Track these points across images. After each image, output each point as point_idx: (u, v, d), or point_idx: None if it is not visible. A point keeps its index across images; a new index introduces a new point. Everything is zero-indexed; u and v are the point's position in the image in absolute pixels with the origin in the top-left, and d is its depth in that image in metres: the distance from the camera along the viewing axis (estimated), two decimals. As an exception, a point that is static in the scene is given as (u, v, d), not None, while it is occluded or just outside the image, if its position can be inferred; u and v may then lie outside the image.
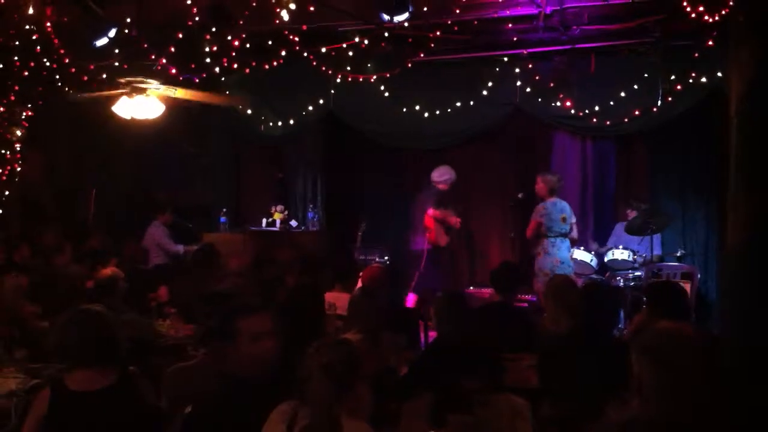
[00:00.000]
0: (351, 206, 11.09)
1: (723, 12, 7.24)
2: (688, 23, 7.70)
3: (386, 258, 10.38)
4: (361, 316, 4.87)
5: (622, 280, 8.79)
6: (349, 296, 6.27)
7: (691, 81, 8.47)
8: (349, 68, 9.18)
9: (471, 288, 9.76)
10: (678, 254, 8.98)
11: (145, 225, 10.09)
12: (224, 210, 10.37)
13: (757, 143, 4.90)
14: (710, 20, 7.43)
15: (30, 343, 5.67)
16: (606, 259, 9.03)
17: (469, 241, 10.85)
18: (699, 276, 8.67)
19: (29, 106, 10.46)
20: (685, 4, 7.41)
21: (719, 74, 8.19)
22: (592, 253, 9.09)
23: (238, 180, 11.40)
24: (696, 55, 8.34)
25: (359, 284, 6.60)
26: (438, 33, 8.40)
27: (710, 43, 8.00)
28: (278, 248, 9.03)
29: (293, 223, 10.38)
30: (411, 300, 9.29)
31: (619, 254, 8.87)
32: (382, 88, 9.38)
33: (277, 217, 10.26)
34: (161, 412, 3.88)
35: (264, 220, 10.38)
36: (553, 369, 4.50)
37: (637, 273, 8.80)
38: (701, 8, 7.36)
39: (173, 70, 8.85)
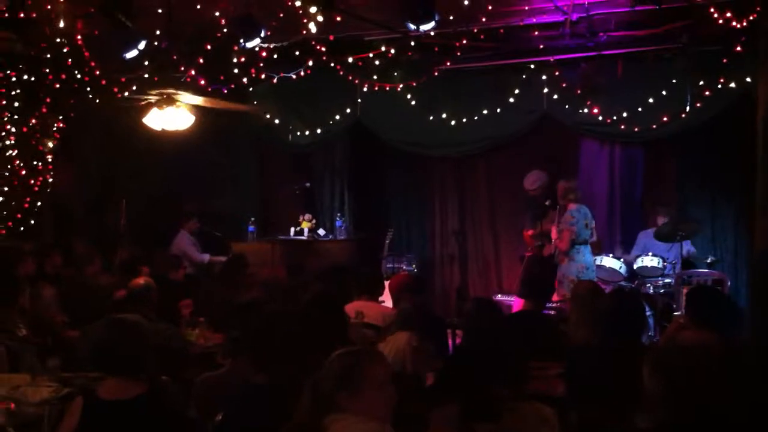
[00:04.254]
0: (378, 214, 11.11)
1: (751, 18, 7.20)
2: (716, 29, 7.63)
3: (414, 266, 10.39)
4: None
5: (651, 287, 8.73)
6: (376, 305, 6.27)
7: (720, 86, 8.38)
8: (375, 77, 9.24)
9: (498, 296, 9.70)
10: (708, 261, 8.89)
11: (174, 234, 10.20)
12: (252, 219, 10.43)
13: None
14: (738, 26, 7.38)
15: (63, 351, 5.75)
16: (635, 266, 8.95)
17: (496, 249, 10.82)
18: (729, 283, 8.59)
19: (61, 117, 10.61)
20: (712, 10, 7.36)
21: (748, 79, 8.11)
22: (621, 260, 9.02)
23: (266, 189, 11.46)
24: (725, 60, 8.24)
25: (386, 292, 6.59)
26: (464, 41, 8.42)
27: (739, 48, 7.93)
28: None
29: (321, 231, 10.41)
30: None
31: (649, 261, 8.80)
32: (409, 96, 9.40)
33: (305, 225, 10.29)
34: (192, 421, 3.92)
35: (292, 229, 10.42)
36: (580, 377, 4.48)
37: (667, 280, 8.74)
38: (729, 14, 7.31)
39: (202, 81, 8.95)
